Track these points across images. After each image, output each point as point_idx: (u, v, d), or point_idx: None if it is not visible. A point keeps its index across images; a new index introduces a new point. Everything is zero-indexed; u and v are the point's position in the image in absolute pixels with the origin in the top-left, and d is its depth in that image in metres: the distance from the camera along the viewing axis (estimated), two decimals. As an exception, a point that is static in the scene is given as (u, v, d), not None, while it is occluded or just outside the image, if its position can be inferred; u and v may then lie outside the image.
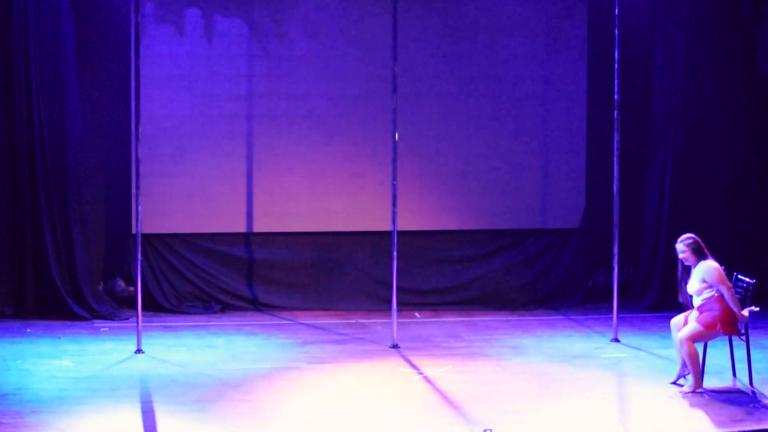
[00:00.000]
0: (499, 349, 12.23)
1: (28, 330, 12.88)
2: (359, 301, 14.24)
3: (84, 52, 13.61)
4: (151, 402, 10.12)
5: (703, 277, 10.52)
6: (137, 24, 11.85)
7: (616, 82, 12.53)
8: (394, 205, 12.28)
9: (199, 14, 13.87)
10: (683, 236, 10.68)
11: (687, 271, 10.70)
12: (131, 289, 13.70)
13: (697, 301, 10.63)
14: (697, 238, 10.62)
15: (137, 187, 11.97)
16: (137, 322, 11.88)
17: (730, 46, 14.29)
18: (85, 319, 13.31)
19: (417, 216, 14.18)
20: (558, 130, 14.41)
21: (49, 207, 13.36)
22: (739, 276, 11.01)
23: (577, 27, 14.37)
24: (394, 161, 12.27)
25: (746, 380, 10.81)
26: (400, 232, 12.64)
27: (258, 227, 14.11)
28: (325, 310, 14.11)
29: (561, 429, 9.53)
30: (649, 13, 14.33)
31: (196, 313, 13.85)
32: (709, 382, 10.75)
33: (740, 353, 10.96)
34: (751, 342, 10.90)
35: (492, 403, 10.18)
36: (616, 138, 12.54)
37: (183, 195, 13.92)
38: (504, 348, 12.28)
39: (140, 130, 12.03)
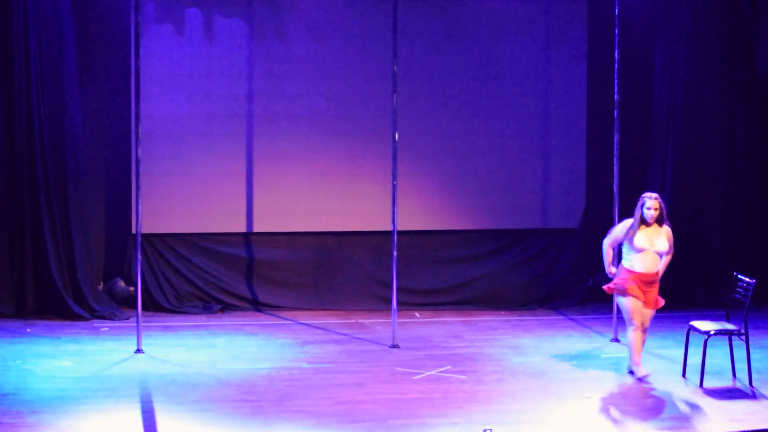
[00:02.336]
0: (499, 349, 12.23)
1: (28, 330, 12.88)
2: (359, 301, 14.23)
3: (84, 52, 13.61)
4: (151, 402, 10.13)
5: (668, 236, 10.88)
6: (137, 24, 11.86)
7: (616, 82, 12.53)
8: (394, 205, 12.29)
9: (199, 14, 13.87)
10: (656, 194, 10.97)
11: (640, 226, 10.84)
12: (131, 289, 13.69)
13: (655, 264, 10.79)
14: None
15: (137, 187, 11.98)
16: (137, 322, 11.89)
17: (730, 46, 14.29)
18: (85, 319, 13.31)
19: (417, 216, 14.18)
20: (558, 130, 14.41)
21: (49, 207, 13.36)
22: (739, 276, 11.02)
23: (577, 27, 14.37)
24: (394, 161, 12.28)
25: (746, 380, 10.81)
26: (400, 232, 12.64)
27: (258, 227, 14.11)
28: (325, 310, 14.10)
29: (561, 429, 9.54)
30: (649, 13, 14.32)
31: (196, 313, 13.85)
32: (709, 382, 10.76)
33: (740, 353, 10.97)
34: (751, 342, 10.91)
35: (492, 403, 10.18)
36: (616, 138, 12.54)
37: (183, 195, 13.91)
38: (504, 348, 12.27)
39: (140, 130, 12.03)
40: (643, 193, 11.05)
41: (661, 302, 11.00)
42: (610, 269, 11.03)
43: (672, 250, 10.96)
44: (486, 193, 14.34)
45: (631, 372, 10.97)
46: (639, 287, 10.80)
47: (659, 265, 10.87)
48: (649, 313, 10.94)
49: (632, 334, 10.88)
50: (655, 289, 10.90)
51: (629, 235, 10.80)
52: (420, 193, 14.18)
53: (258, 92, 13.98)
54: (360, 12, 14.05)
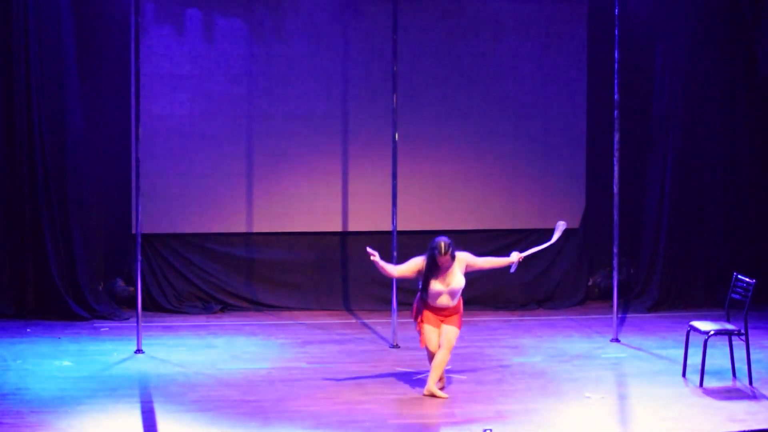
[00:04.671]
0: (499, 349, 12.23)
1: (28, 330, 12.88)
2: (359, 301, 14.24)
3: (84, 52, 13.62)
4: (151, 402, 10.13)
5: (465, 266, 10.37)
6: (137, 24, 11.86)
7: (616, 82, 12.53)
8: (394, 205, 12.29)
9: (199, 14, 13.88)
10: (444, 241, 10.24)
11: (434, 272, 10.28)
12: (131, 289, 13.70)
13: (452, 299, 10.33)
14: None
15: (137, 187, 11.98)
16: (137, 322, 11.89)
17: (730, 46, 14.29)
18: (85, 319, 13.32)
19: (417, 216, 14.18)
20: (558, 130, 14.41)
21: (49, 207, 13.36)
22: (739, 276, 11.01)
23: (577, 27, 14.37)
24: (394, 161, 12.28)
25: (746, 380, 10.81)
26: (400, 232, 12.64)
27: (258, 227, 14.11)
28: (325, 310, 14.11)
29: (561, 429, 9.54)
30: (649, 13, 14.33)
31: (196, 313, 13.86)
32: (709, 382, 10.76)
33: (740, 353, 10.97)
34: (751, 342, 10.91)
35: (492, 403, 10.18)
36: (616, 138, 12.54)
37: (183, 195, 13.92)
38: (504, 348, 12.28)
39: (140, 130, 12.03)
40: (432, 243, 10.24)
41: (458, 323, 10.44)
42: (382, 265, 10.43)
43: (481, 260, 10.55)
44: (486, 193, 14.34)
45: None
46: (435, 315, 10.38)
47: (455, 300, 10.37)
48: (448, 329, 10.40)
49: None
50: (456, 310, 10.44)
51: (421, 279, 10.32)
52: (420, 193, 14.18)
53: (258, 92, 13.98)
54: (360, 12, 14.06)
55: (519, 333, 13.02)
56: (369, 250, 10.48)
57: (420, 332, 10.49)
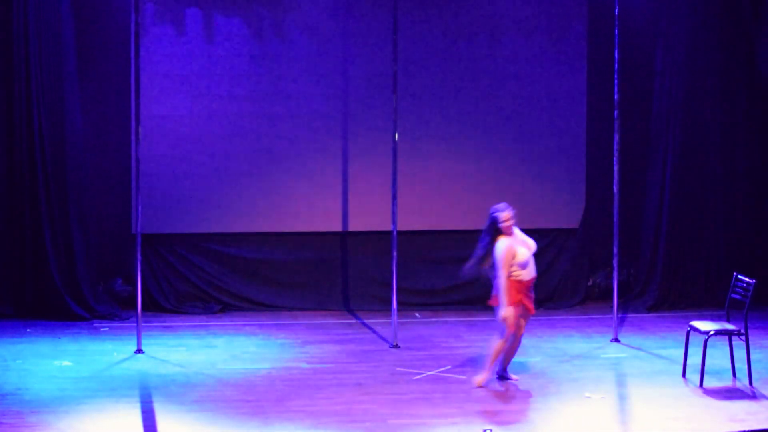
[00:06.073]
0: (499, 349, 12.22)
1: (28, 330, 12.89)
2: (359, 301, 14.23)
3: (84, 52, 13.62)
4: (151, 402, 10.13)
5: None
6: (137, 24, 11.86)
7: (616, 82, 12.53)
8: (394, 205, 12.29)
9: (199, 14, 13.88)
10: (502, 204, 10.85)
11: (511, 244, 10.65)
12: (131, 288, 13.69)
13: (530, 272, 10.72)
14: None
15: (137, 187, 11.98)
16: (137, 322, 11.89)
17: (730, 46, 14.28)
18: (85, 319, 13.32)
19: (417, 216, 14.18)
20: (558, 130, 14.40)
21: (49, 207, 13.37)
22: (739, 276, 11.02)
23: (577, 27, 14.37)
24: (394, 161, 12.28)
25: (746, 380, 10.81)
26: (400, 232, 12.64)
27: (258, 227, 14.11)
28: (325, 310, 14.11)
29: (561, 429, 9.54)
30: (649, 13, 14.33)
31: (196, 313, 13.85)
32: (709, 382, 10.76)
33: (740, 353, 10.97)
34: (751, 342, 10.91)
35: (492, 403, 10.18)
36: (616, 138, 12.54)
37: (183, 195, 13.91)
38: (504, 348, 12.27)
39: (140, 130, 12.04)
40: (492, 211, 10.87)
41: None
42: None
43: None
44: (486, 193, 14.30)
45: (500, 377, 10.90)
46: (525, 296, 10.65)
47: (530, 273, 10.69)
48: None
49: (508, 344, 10.72)
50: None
51: (513, 258, 10.59)
52: (420, 193, 14.17)
53: (258, 92, 13.98)
54: (360, 12, 14.05)
55: (519, 333, 13.01)
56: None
57: (509, 317, 10.58)
